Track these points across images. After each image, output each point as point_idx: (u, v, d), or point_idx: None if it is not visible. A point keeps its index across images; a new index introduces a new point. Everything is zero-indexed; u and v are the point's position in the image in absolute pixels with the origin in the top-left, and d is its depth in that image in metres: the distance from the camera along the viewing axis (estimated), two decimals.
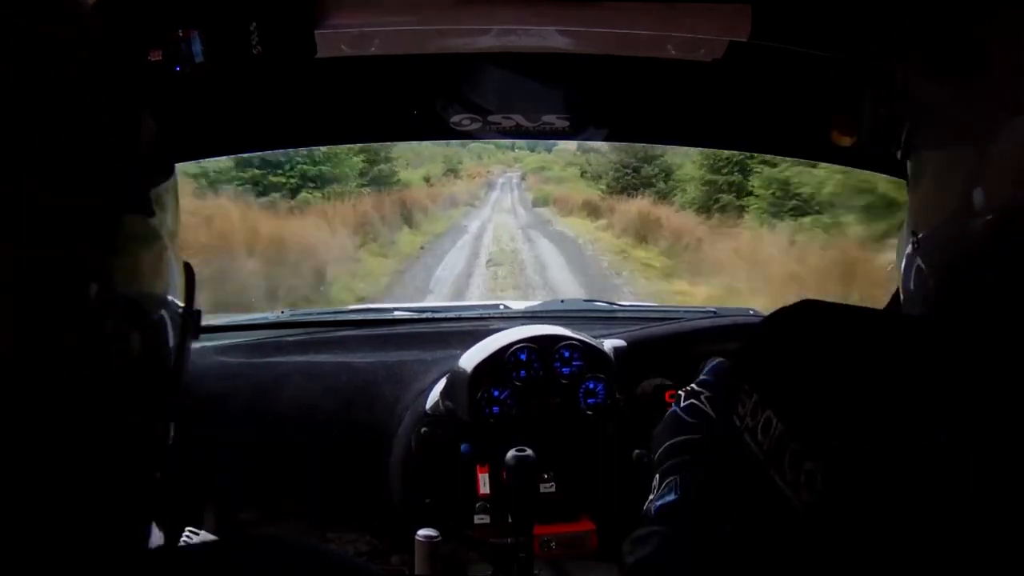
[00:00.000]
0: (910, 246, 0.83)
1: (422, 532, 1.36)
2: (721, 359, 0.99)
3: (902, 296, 0.86)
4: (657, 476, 0.91)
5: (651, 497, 0.89)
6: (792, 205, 10.66)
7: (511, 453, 1.41)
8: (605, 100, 1.47)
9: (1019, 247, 0.67)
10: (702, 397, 0.93)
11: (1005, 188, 0.69)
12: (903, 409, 0.62)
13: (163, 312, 0.59)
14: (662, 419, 0.96)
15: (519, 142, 18.12)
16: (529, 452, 1.41)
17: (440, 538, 1.36)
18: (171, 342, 0.63)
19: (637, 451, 1.58)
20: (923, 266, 0.80)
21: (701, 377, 0.97)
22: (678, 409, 0.94)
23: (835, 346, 0.71)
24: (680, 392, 0.96)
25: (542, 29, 1.19)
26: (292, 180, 11.50)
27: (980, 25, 0.73)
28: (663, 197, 15.12)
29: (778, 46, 1.16)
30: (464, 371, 1.55)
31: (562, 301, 2.33)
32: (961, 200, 0.73)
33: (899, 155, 0.93)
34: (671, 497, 0.87)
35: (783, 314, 0.79)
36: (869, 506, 0.60)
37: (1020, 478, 0.57)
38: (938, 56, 0.81)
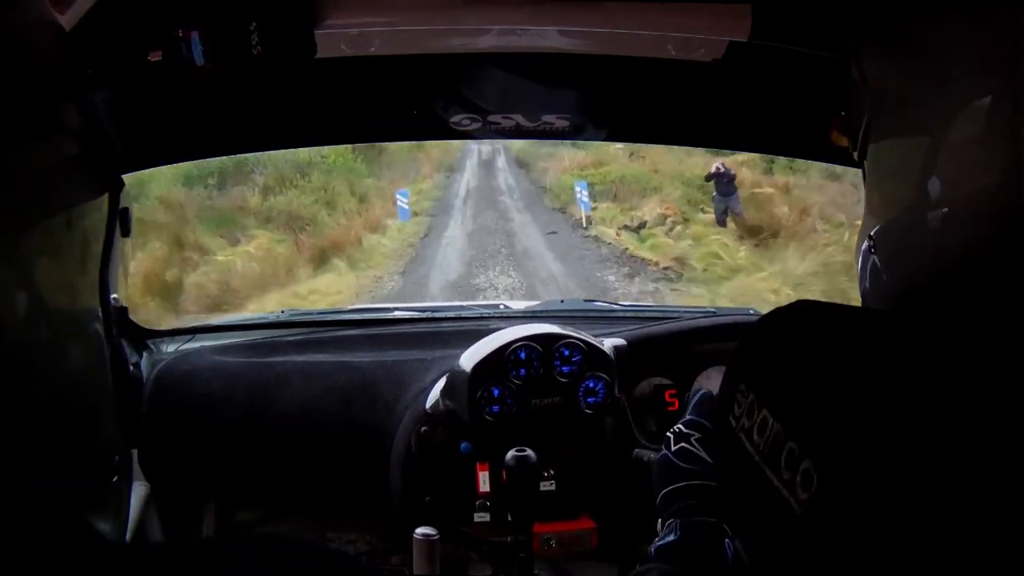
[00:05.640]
0: (866, 243, 0.83)
1: (420, 531, 1.36)
2: (704, 391, 1.02)
3: (860, 294, 0.87)
4: (659, 521, 0.95)
5: (655, 540, 0.93)
6: None
7: (511, 454, 1.41)
8: (605, 100, 1.47)
9: (971, 239, 0.67)
10: (692, 439, 0.96)
11: (957, 181, 0.69)
12: (899, 407, 0.62)
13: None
14: (655, 463, 0.98)
15: None
16: (529, 452, 1.41)
17: (438, 536, 1.36)
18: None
19: (636, 450, 1.59)
20: (878, 263, 0.81)
21: (688, 416, 1.00)
22: (670, 454, 0.97)
23: (830, 345, 0.71)
24: (669, 434, 0.99)
25: (542, 29, 1.19)
26: None
27: (937, 14, 0.74)
28: None
29: (778, 46, 1.16)
30: (464, 370, 1.55)
31: (562, 301, 2.33)
32: (914, 194, 0.73)
33: (856, 155, 0.94)
34: (671, 538, 0.91)
35: (779, 314, 0.80)
36: (867, 504, 0.60)
37: (1017, 474, 0.57)
38: (893, 42, 0.82)
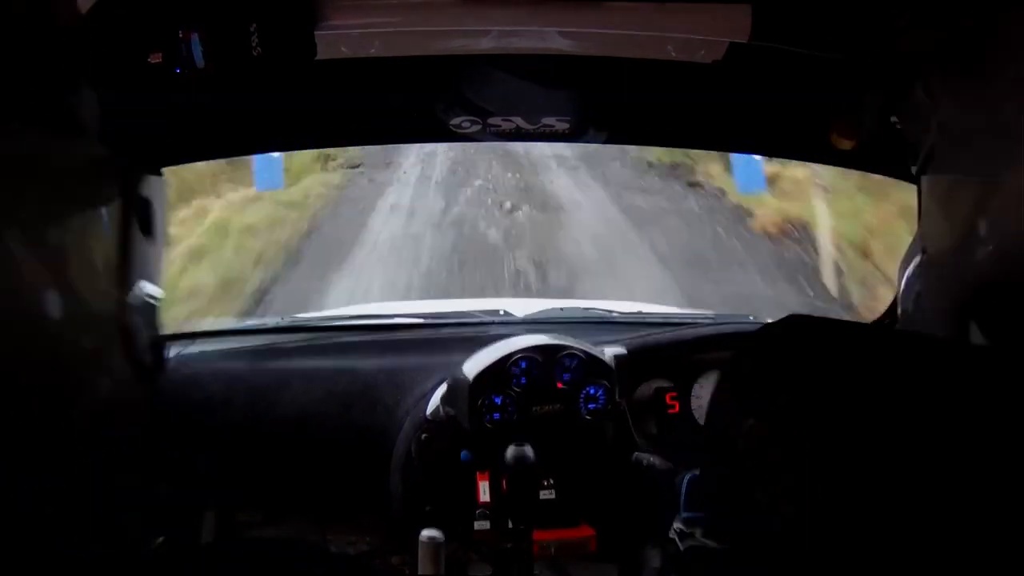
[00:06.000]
0: (914, 268, 0.83)
1: (426, 532, 1.35)
2: (689, 476, 1.06)
3: (900, 314, 0.86)
4: None
5: None
6: None
7: (511, 448, 1.41)
8: (605, 102, 1.47)
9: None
10: (697, 535, 0.99)
11: (1014, 219, 0.69)
12: (892, 425, 0.62)
13: None
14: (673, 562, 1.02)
15: None
16: (527, 448, 1.41)
17: (443, 539, 1.35)
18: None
19: (636, 453, 1.58)
20: (925, 289, 0.80)
21: (684, 514, 1.02)
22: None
23: (824, 362, 0.71)
24: (673, 535, 1.02)
25: (542, 31, 1.20)
26: None
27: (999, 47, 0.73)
28: None
29: (778, 46, 1.16)
30: (465, 379, 1.55)
31: (561, 309, 2.33)
32: (971, 227, 0.73)
33: (915, 171, 0.93)
34: None
35: (774, 329, 0.80)
36: (857, 520, 0.60)
37: (1006, 493, 0.57)
38: (962, 77, 0.81)
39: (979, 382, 0.62)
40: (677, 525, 1.01)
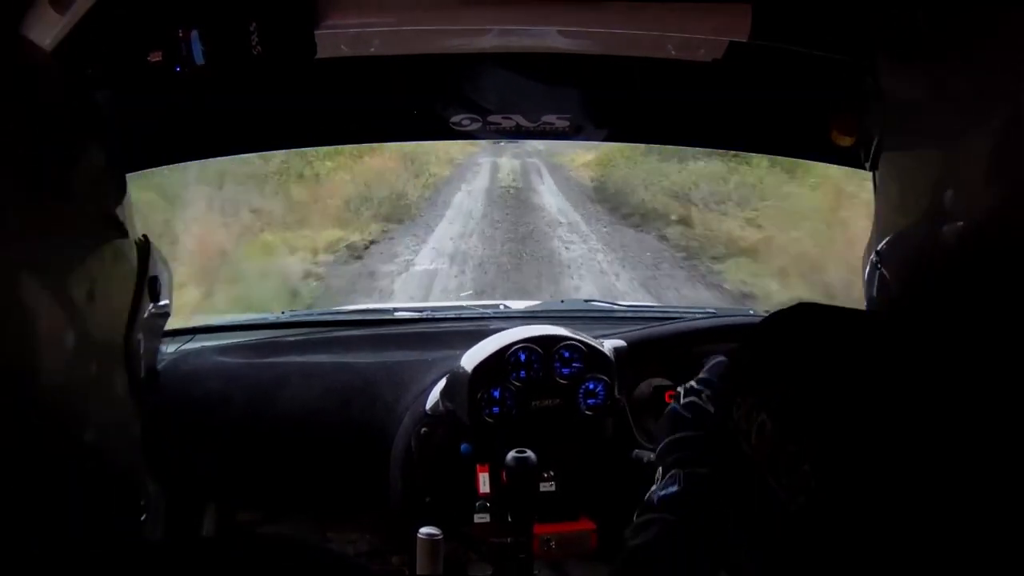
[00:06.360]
0: (875, 253, 0.83)
1: (424, 530, 1.36)
2: (722, 358, 1.01)
3: (866, 301, 0.86)
4: (660, 469, 0.93)
5: (653, 488, 0.92)
6: None
7: (511, 455, 1.42)
8: (605, 100, 1.47)
9: (984, 254, 0.67)
10: (703, 395, 0.95)
11: (972, 195, 0.69)
12: (895, 412, 0.62)
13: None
14: (663, 415, 0.98)
15: None
16: (529, 454, 1.41)
17: (441, 536, 1.36)
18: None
19: (636, 451, 1.59)
20: (886, 273, 0.80)
21: (702, 375, 0.98)
22: (678, 407, 0.96)
23: (828, 350, 0.71)
24: (680, 389, 0.98)
25: (542, 29, 1.19)
26: None
27: (952, 18, 0.73)
28: None
29: (778, 46, 1.16)
30: (464, 371, 1.55)
31: (562, 301, 2.33)
32: (927, 206, 0.73)
33: (867, 164, 0.93)
34: (673, 488, 0.90)
35: (779, 317, 0.80)
36: (862, 507, 0.61)
37: (1010, 479, 0.57)
38: (908, 50, 0.81)
39: (988, 370, 0.62)
40: (689, 383, 0.98)
